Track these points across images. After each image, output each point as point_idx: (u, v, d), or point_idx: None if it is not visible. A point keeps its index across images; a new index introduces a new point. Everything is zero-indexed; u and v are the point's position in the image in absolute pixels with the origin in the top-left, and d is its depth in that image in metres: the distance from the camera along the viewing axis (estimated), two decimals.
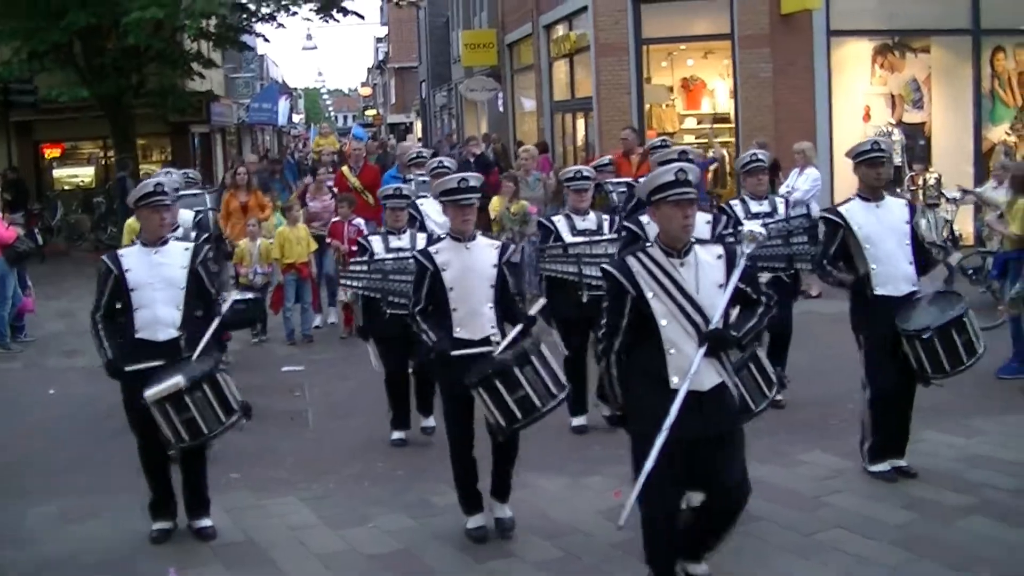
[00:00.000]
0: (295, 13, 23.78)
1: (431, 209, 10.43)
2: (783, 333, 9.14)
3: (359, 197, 14.06)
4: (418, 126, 59.47)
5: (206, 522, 7.03)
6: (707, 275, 5.22)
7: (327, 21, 24.91)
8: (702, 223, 7.02)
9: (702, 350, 5.11)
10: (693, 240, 5.31)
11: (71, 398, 10.73)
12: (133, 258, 6.92)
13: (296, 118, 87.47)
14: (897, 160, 17.82)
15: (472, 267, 6.59)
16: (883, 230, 7.18)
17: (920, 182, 16.90)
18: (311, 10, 24.03)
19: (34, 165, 30.02)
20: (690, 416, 5.07)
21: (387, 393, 8.98)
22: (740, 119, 17.46)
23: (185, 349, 6.83)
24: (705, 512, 5.45)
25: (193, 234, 9.71)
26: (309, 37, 47.42)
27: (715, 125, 18.22)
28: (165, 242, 7.03)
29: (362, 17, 23.68)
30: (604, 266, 5.43)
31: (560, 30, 22.01)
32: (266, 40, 28.84)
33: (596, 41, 18.38)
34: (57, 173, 30.34)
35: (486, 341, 6.50)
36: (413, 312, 6.74)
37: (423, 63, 50.80)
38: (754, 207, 9.15)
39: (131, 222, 10.61)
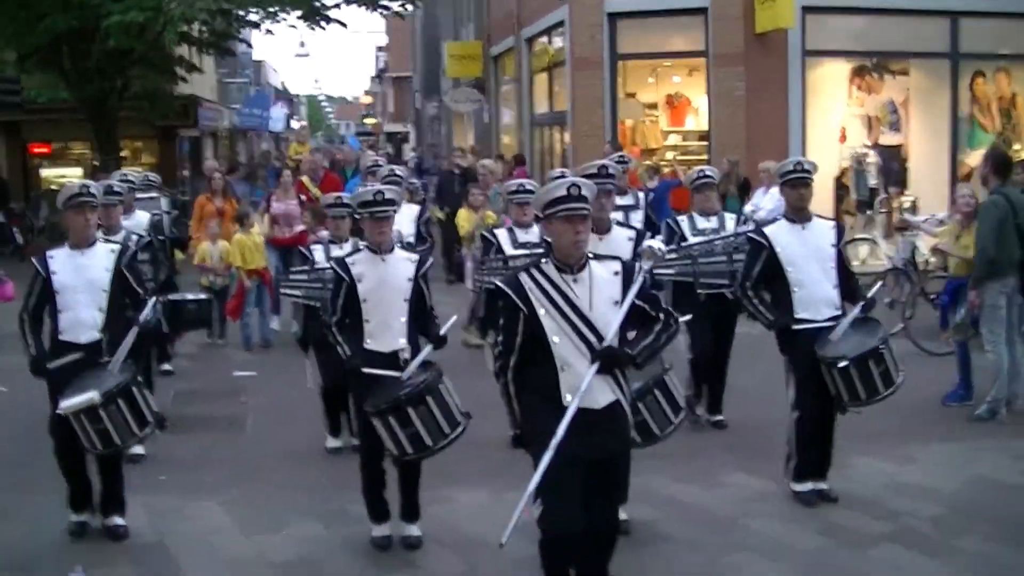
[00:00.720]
0: (281, 20, 23.74)
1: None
2: (719, 355, 9.10)
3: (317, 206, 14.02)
4: (414, 135, 59.58)
5: (118, 520, 7.03)
6: (601, 291, 5.16)
7: (313, 29, 24.92)
8: (623, 239, 6.92)
9: (594, 367, 5.05)
10: (590, 256, 5.26)
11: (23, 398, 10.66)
12: (59, 261, 6.95)
13: (296, 124, 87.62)
14: (872, 182, 17.83)
15: (387, 280, 6.59)
16: (806, 252, 7.13)
17: (895, 205, 16.90)
18: (297, 17, 23.97)
19: (21, 165, 30.06)
20: (583, 434, 5.01)
21: (323, 403, 8.92)
22: (713, 137, 17.43)
23: (107, 351, 6.83)
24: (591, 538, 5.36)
25: (146, 236, 9.66)
26: (302, 44, 47.51)
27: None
28: (92, 244, 7.03)
29: (344, 26, 23.60)
30: (497, 283, 5.38)
31: (540, 43, 22.00)
32: (249, 46, 28.82)
33: (572, 55, 18.39)
34: (45, 173, 30.28)
35: (395, 356, 6.49)
36: (330, 323, 6.72)
37: (417, 73, 50.85)
38: (701, 223, 9.13)
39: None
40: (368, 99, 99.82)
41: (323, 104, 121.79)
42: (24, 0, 19.72)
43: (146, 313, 7.15)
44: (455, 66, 28.18)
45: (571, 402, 5.02)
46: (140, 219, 10.20)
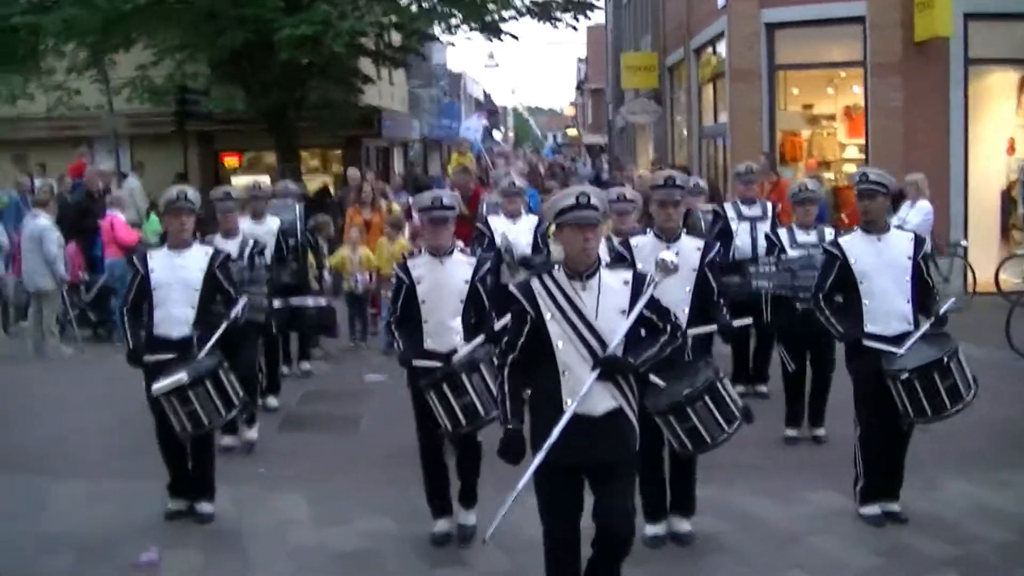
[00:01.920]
0: (456, 33, 24.35)
1: (500, 227, 10.67)
2: (821, 369, 8.95)
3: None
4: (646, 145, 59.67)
5: (205, 507, 7.48)
6: (609, 300, 5.22)
7: (491, 40, 25.51)
8: (692, 248, 6.90)
9: (594, 374, 5.12)
10: (604, 263, 5.34)
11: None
12: (158, 260, 7.49)
13: (497, 135, 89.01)
14: None
15: (444, 282, 6.81)
16: (880, 264, 6.95)
17: None
18: (471, 30, 24.54)
19: (214, 173, 31.62)
20: (581, 441, 5.11)
21: None
22: (870, 148, 16.94)
23: (197, 346, 7.30)
24: (594, 544, 5.40)
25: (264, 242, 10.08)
26: (491, 56, 48.12)
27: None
28: (189, 246, 7.51)
29: (516, 38, 24.05)
30: (510, 287, 5.50)
31: (706, 54, 21.85)
32: (424, 59, 29.41)
33: (730, 66, 18.19)
34: (236, 181, 31.71)
35: (451, 356, 6.68)
36: (389, 321, 7.03)
37: (608, 84, 50.99)
38: (800, 237, 9.04)
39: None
40: (571, 110, 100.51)
41: (526, 115, 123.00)
42: (207, 14, 20.75)
43: (236, 310, 7.57)
44: (631, 77, 28.20)
45: (569, 407, 5.10)
46: (271, 224, 10.68)
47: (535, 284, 5.31)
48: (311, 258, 12.24)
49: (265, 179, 14.00)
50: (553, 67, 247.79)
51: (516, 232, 10.68)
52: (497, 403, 5.51)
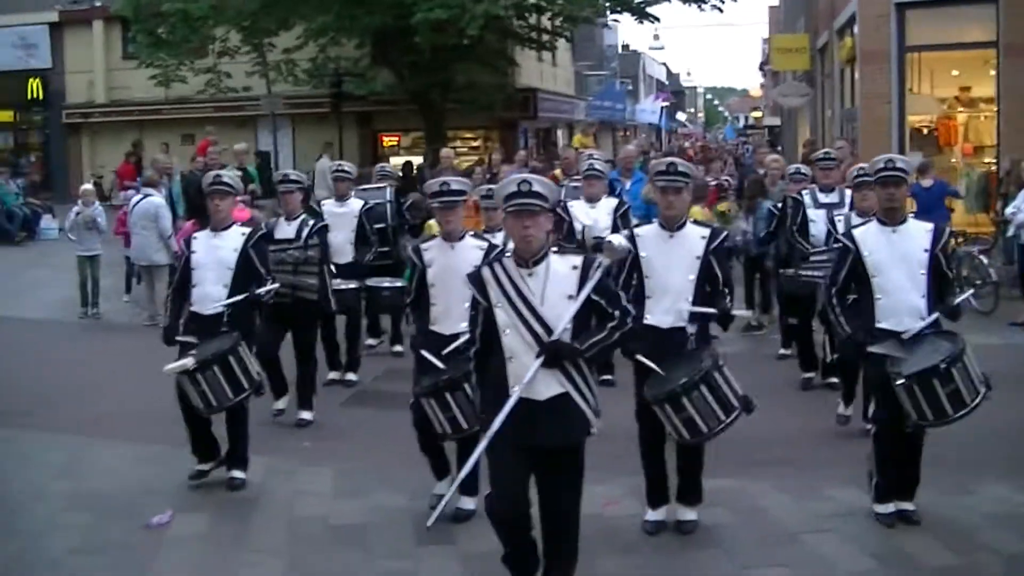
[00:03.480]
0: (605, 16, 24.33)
1: (579, 211, 10.69)
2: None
3: None
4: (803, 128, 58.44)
5: (236, 473, 7.80)
6: (555, 286, 5.23)
7: (641, 23, 25.40)
8: (696, 236, 6.72)
9: (538, 360, 5.14)
10: (555, 250, 5.34)
11: None
12: (199, 241, 7.90)
13: (682, 116, 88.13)
14: None
15: (453, 266, 6.84)
16: (894, 257, 6.66)
17: None
18: (619, 11, 24.47)
19: (372, 153, 32.42)
20: (525, 424, 5.17)
21: None
22: (1000, 134, 16.16)
23: (227, 323, 7.58)
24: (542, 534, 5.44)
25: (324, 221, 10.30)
26: (656, 38, 47.58)
27: None
28: (228, 227, 7.84)
29: (656, 20, 23.84)
30: (467, 277, 5.56)
31: (845, 36, 21.20)
32: (568, 40, 29.26)
33: (860, 48, 17.62)
34: (393, 161, 32.43)
35: (454, 339, 6.75)
36: (406, 303, 7.19)
37: None
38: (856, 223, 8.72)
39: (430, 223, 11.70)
40: (757, 92, 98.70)
41: (710, 96, 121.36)
42: None
43: (262, 290, 7.84)
44: (780, 59, 27.62)
45: (514, 392, 5.14)
46: (353, 206, 10.93)
47: (485, 272, 5.37)
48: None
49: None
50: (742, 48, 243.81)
51: (595, 215, 10.67)
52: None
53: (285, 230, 9.50)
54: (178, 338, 7.76)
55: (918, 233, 6.76)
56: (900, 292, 6.63)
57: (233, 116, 30.73)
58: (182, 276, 7.90)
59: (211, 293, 7.73)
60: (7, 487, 7.84)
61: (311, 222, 9.68)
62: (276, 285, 8.11)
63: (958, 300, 6.64)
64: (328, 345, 10.89)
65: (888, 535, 6.67)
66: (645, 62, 69.16)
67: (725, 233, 7.12)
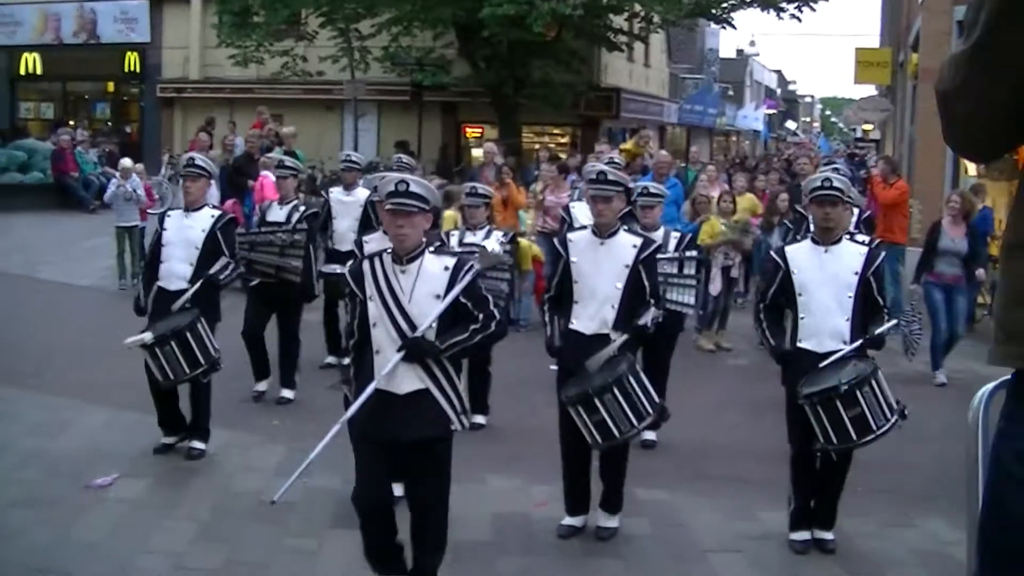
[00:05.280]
0: (670, 22, 24.27)
1: (580, 213, 10.78)
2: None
3: None
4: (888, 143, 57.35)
5: (195, 444, 8.12)
6: (425, 284, 5.36)
7: (724, 28, 25.31)
8: (627, 244, 6.77)
9: (398, 356, 5.29)
10: (431, 249, 5.48)
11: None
12: (171, 220, 8.20)
13: (792, 125, 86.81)
14: None
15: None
16: (822, 278, 6.60)
17: None
18: (694, 15, 24.39)
19: (455, 143, 32.77)
20: (384, 417, 5.34)
21: None
22: None
23: (190, 300, 7.88)
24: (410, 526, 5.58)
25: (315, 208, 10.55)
26: (752, 44, 47.09)
27: None
28: (200, 208, 8.14)
29: (729, 27, 23.70)
30: (347, 270, 5.72)
31: (912, 52, 20.82)
32: (622, 48, 28.75)
33: (921, 65, 17.31)
34: (475, 152, 32.76)
35: None
36: None
37: None
38: None
39: (449, 213, 11.96)
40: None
41: (821, 106, 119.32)
42: None
43: (216, 270, 8.10)
44: (864, 72, 27.09)
45: (372, 384, 5.32)
46: (359, 195, 11.15)
47: (366, 266, 5.52)
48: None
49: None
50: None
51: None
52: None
53: (277, 213, 9.76)
54: (144, 308, 8.16)
55: (850, 255, 6.68)
56: (823, 313, 6.58)
57: (321, 99, 31.36)
58: (152, 252, 8.22)
59: (176, 270, 8.05)
60: None
61: (301, 207, 9.92)
62: (230, 263, 8.31)
63: (880, 329, 6.54)
64: (328, 329, 11.13)
65: (795, 561, 6.63)
66: (753, 67, 68.28)
67: (657, 244, 7.15)
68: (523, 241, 12.78)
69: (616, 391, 6.29)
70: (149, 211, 15.00)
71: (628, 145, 19.20)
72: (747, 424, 9.60)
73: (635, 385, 6.39)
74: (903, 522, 7.34)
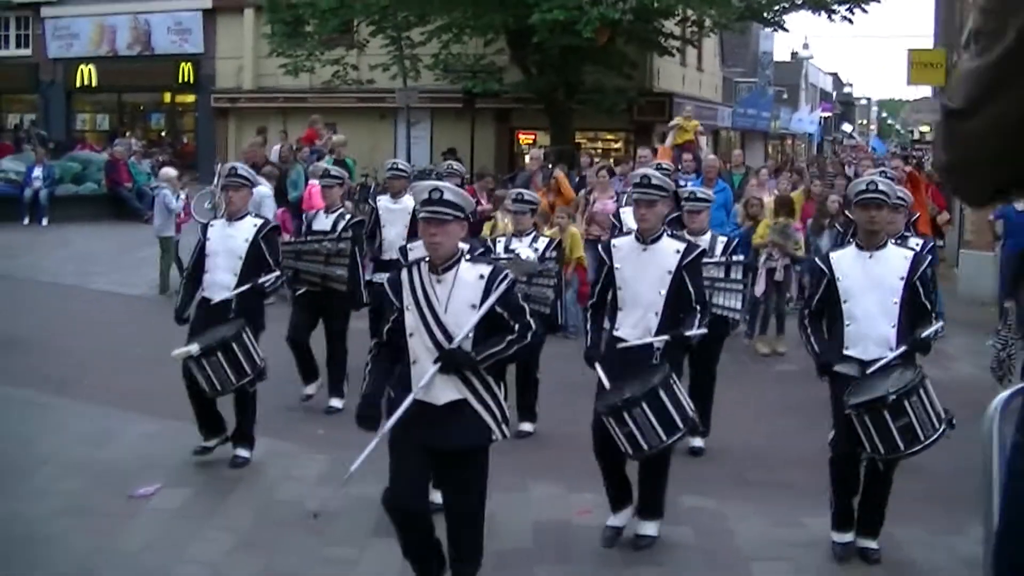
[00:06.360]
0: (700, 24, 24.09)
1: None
2: None
3: None
4: None
5: (240, 452, 8.13)
6: (460, 294, 5.32)
7: (775, 31, 25.08)
8: (671, 251, 6.69)
9: (435, 367, 5.25)
10: (467, 257, 5.43)
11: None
12: (215, 230, 8.22)
13: (848, 128, 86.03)
14: None
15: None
16: (867, 284, 6.47)
17: None
18: (742, 19, 24.20)
19: (508, 150, 32.75)
20: (423, 426, 5.31)
21: None
22: None
23: (235, 310, 7.90)
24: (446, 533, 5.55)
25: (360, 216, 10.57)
26: (806, 47, 46.69)
27: None
28: (242, 217, 8.15)
29: (781, 30, 23.47)
30: (386, 280, 5.69)
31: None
32: (674, 53, 28.54)
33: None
34: (526, 158, 32.67)
35: None
36: None
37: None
38: None
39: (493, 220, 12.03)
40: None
41: (878, 108, 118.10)
42: None
43: (267, 279, 8.12)
44: (919, 73, 26.69)
45: (410, 395, 5.29)
46: (407, 203, 11.10)
47: (404, 276, 5.49)
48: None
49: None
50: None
51: None
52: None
53: (323, 222, 9.76)
54: (185, 316, 8.22)
55: (896, 260, 6.56)
56: (869, 319, 6.45)
57: (375, 107, 31.46)
58: (196, 262, 8.25)
59: (220, 280, 8.07)
60: (19, 451, 8.27)
61: (347, 216, 9.91)
62: (278, 274, 8.35)
63: (926, 332, 6.40)
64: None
65: (840, 570, 6.50)
66: (808, 71, 67.64)
67: (701, 249, 7.06)
68: (573, 229, 12.67)
69: (645, 405, 6.18)
70: (195, 219, 15.11)
71: (678, 124, 18.73)
72: (796, 430, 9.44)
73: (668, 399, 6.28)
74: (953, 529, 7.15)
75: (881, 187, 6.57)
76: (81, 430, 8.87)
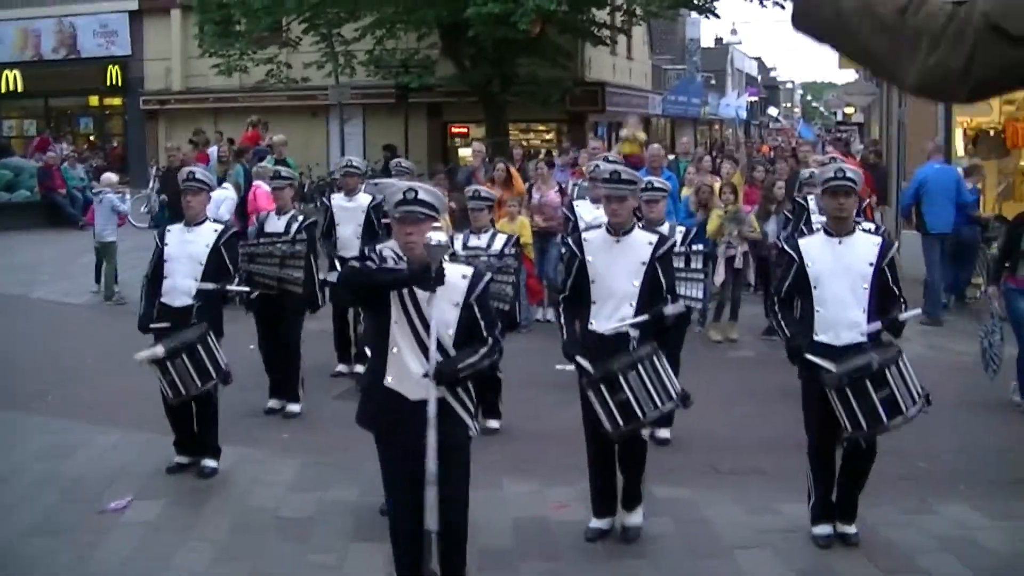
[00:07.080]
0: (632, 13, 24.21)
1: (584, 211, 10.75)
2: None
3: None
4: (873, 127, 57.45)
5: (207, 462, 8.02)
6: (443, 293, 5.29)
7: (708, 17, 25.27)
8: (643, 243, 6.72)
9: (427, 380, 5.20)
10: (450, 254, 5.42)
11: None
12: (172, 235, 8.08)
13: (773, 111, 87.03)
14: None
15: None
16: (837, 269, 6.54)
17: None
18: (663, 6, 24.31)
19: (441, 144, 32.70)
20: (404, 424, 5.27)
21: None
22: None
23: (195, 315, 7.80)
24: None
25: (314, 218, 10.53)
26: (734, 32, 47.16)
27: None
28: (201, 222, 8.04)
29: (714, 16, 23.68)
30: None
31: None
32: (607, 42, 28.78)
33: None
34: (461, 152, 32.68)
35: None
36: None
37: None
38: None
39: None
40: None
41: (802, 91, 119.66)
42: None
43: (231, 286, 8.08)
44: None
45: (389, 384, 5.32)
46: (361, 201, 11.08)
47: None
48: None
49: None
50: None
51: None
52: None
53: (275, 224, 9.67)
54: (152, 326, 8.01)
55: (864, 246, 6.63)
56: (839, 305, 6.52)
57: (307, 105, 31.24)
58: (155, 268, 8.10)
59: (181, 285, 7.95)
60: None
61: (300, 217, 9.84)
62: (245, 288, 8.30)
63: (903, 316, 6.51)
64: (339, 338, 11.07)
65: (823, 555, 6.57)
66: (733, 56, 68.37)
67: (672, 240, 7.11)
68: (523, 219, 12.72)
69: (642, 369, 6.29)
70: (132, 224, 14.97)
71: (628, 136, 18.85)
72: (757, 416, 9.57)
73: (660, 367, 6.37)
74: (924, 509, 7.30)
75: (849, 174, 6.66)
76: (42, 444, 8.71)
